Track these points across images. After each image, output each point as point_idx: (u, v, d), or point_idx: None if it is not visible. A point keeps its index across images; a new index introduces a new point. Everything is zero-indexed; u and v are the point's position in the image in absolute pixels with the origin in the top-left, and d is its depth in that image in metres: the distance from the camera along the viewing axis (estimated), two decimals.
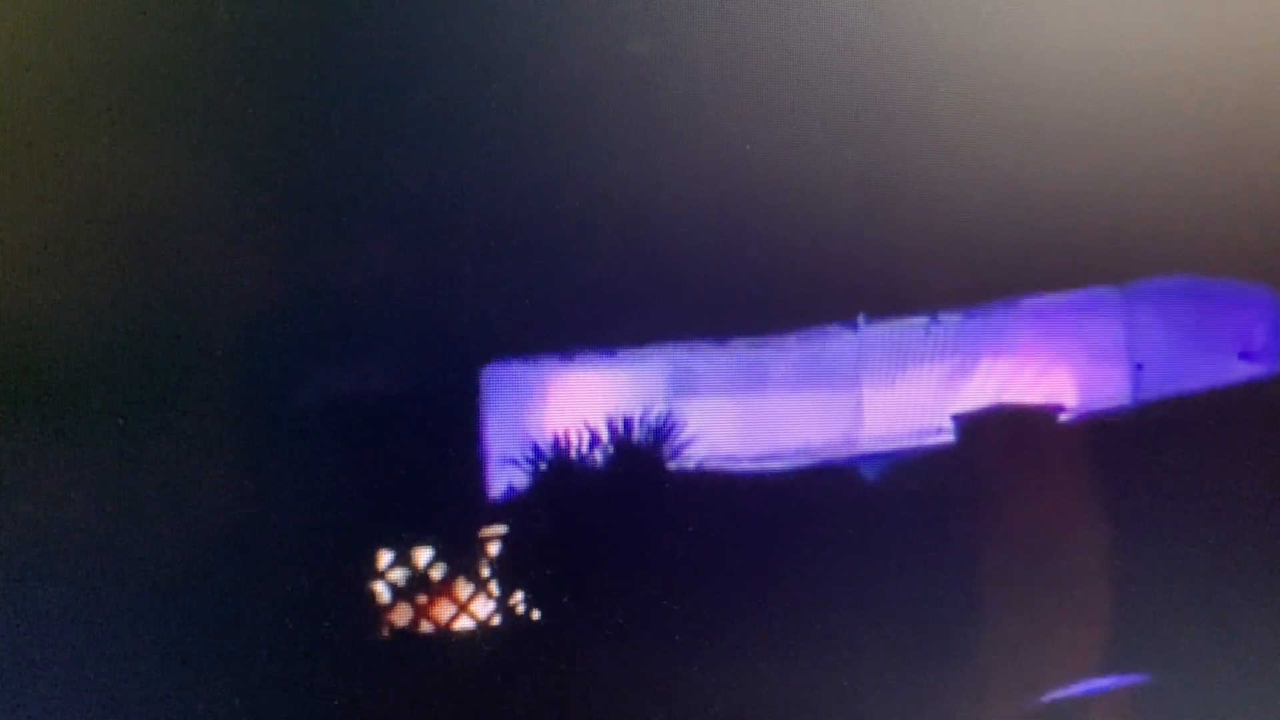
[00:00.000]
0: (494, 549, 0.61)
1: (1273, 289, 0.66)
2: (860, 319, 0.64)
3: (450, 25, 0.61)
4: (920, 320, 0.64)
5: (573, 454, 0.62)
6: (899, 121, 0.63)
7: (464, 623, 0.61)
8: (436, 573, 0.61)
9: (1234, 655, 0.66)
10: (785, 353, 0.63)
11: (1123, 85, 0.65)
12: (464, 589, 0.61)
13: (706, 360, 0.63)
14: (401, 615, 0.61)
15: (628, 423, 0.62)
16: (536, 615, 0.61)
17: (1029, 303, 0.65)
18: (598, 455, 0.62)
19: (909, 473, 0.64)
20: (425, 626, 0.61)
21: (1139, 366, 0.66)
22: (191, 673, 0.59)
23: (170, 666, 0.59)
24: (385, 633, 0.60)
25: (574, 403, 0.62)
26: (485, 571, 0.61)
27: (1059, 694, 0.65)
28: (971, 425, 0.64)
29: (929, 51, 0.63)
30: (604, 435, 0.62)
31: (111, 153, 0.59)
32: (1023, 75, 0.64)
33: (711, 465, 0.63)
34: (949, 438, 0.64)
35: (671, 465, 0.62)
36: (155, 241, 0.59)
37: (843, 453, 0.64)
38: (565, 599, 0.61)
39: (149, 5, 0.60)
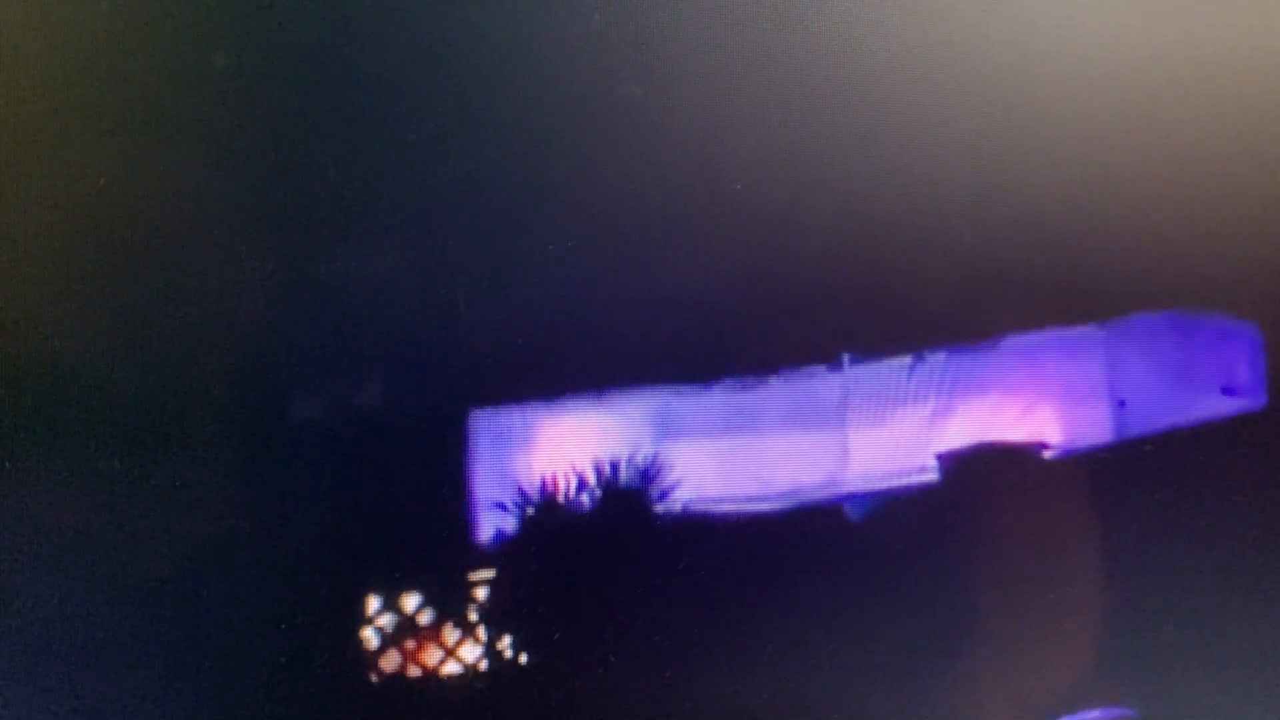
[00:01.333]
0: (482, 593, 0.61)
1: (1255, 324, 0.66)
2: (845, 359, 0.64)
3: (439, 56, 0.62)
4: (904, 360, 0.65)
5: (560, 497, 0.62)
6: (883, 163, 0.64)
7: (451, 667, 0.61)
8: (424, 617, 0.61)
9: (1219, 688, 0.67)
10: (770, 394, 0.64)
11: (1104, 124, 0.65)
12: (451, 633, 0.61)
13: (692, 402, 0.63)
14: (390, 660, 0.61)
15: (615, 466, 0.62)
16: (524, 659, 0.62)
17: (1011, 341, 0.65)
18: (585, 498, 0.62)
19: (894, 512, 0.64)
20: (413, 670, 0.61)
21: (1121, 404, 0.66)
22: (171, 711, 0.59)
23: (149, 702, 0.59)
24: (373, 677, 0.61)
25: (561, 446, 0.62)
26: (473, 615, 0.61)
27: None
28: (956, 464, 0.65)
29: (911, 95, 0.64)
30: (591, 478, 0.62)
31: (101, 159, 0.59)
32: (1009, 120, 0.64)
33: (698, 507, 0.63)
34: (933, 477, 0.65)
35: (658, 507, 0.62)
36: (127, 267, 0.60)
37: (828, 493, 0.64)
38: (553, 642, 0.62)
39: (147, 8, 0.60)
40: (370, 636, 0.60)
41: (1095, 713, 0.66)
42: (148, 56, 0.59)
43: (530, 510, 0.62)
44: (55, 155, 0.59)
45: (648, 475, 0.62)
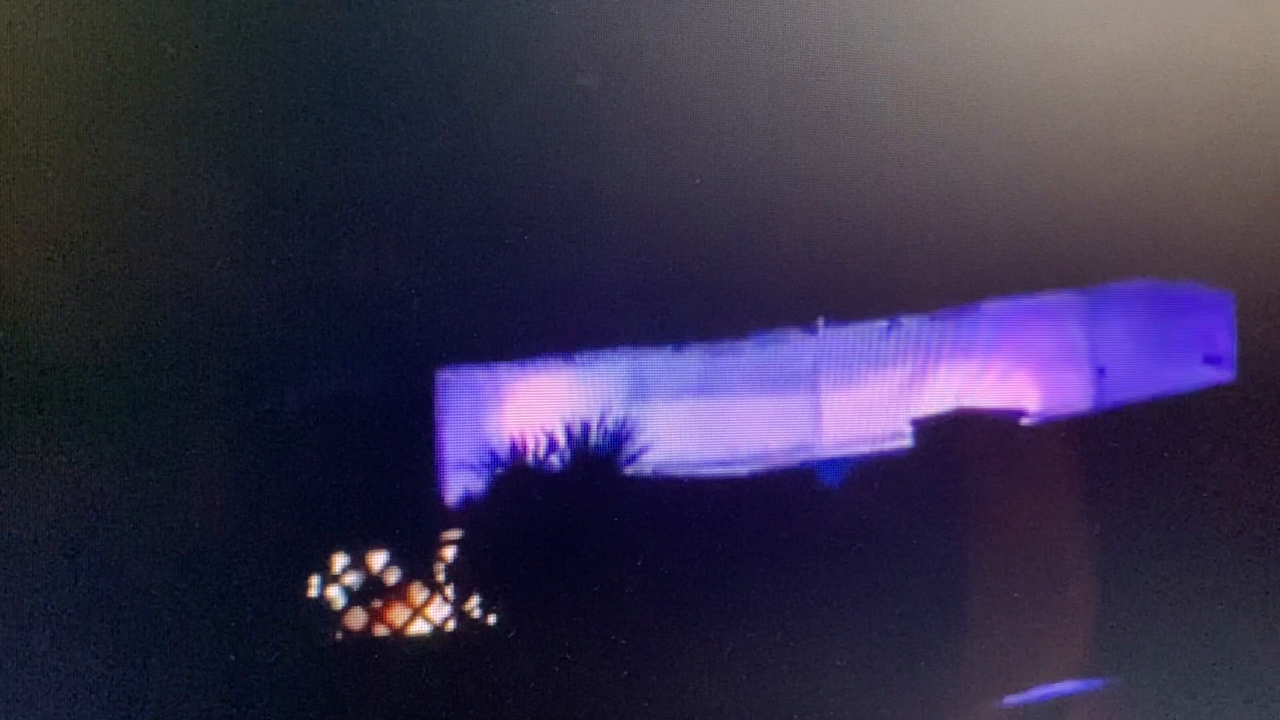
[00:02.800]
0: (450, 553, 0.61)
1: (1235, 294, 0.65)
2: (820, 323, 0.64)
3: (416, 43, 0.61)
4: (880, 324, 0.64)
5: (530, 458, 0.62)
6: (859, 126, 0.63)
7: (419, 626, 0.61)
8: (392, 577, 0.61)
9: (1200, 657, 0.66)
10: (744, 357, 0.63)
11: (1085, 93, 0.64)
12: (420, 593, 0.61)
13: (665, 365, 0.63)
14: (356, 619, 0.61)
15: (585, 427, 0.62)
16: (493, 620, 0.61)
17: (991, 307, 0.65)
18: (555, 460, 0.62)
19: (868, 477, 0.64)
20: (380, 630, 0.61)
21: (1101, 371, 0.65)
22: (143, 675, 0.59)
23: (122, 670, 0.59)
24: (340, 636, 0.60)
25: (531, 407, 0.62)
26: (442, 576, 0.61)
27: (1023, 698, 0.65)
28: (932, 430, 0.64)
29: (889, 60, 0.63)
30: (561, 440, 0.62)
31: (93, 159, 0.59)
32: (986, 83, 0.64)
33: (670, 470, 0.62)
34: (909, 442, 0.64)
35: (629, 470, 0.62)
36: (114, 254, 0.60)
37: (802, 458, 0.64)
38: (522, 604, 0.61)
39: (142, 7, 0.60)
40: (337, 596, 0.60)
41: (1072, 683, 0.66)
42: (143, 56, 0.59)
43: (500, 472, 0.61)
44: (50, 155, 0.59)
45: (619, 437, 0.62)
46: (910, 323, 0.64)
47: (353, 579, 0.60)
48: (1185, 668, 0.66)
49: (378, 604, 0.60)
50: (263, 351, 0.60)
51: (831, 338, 0.64)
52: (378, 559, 0.61)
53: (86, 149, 0.59)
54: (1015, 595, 0.65)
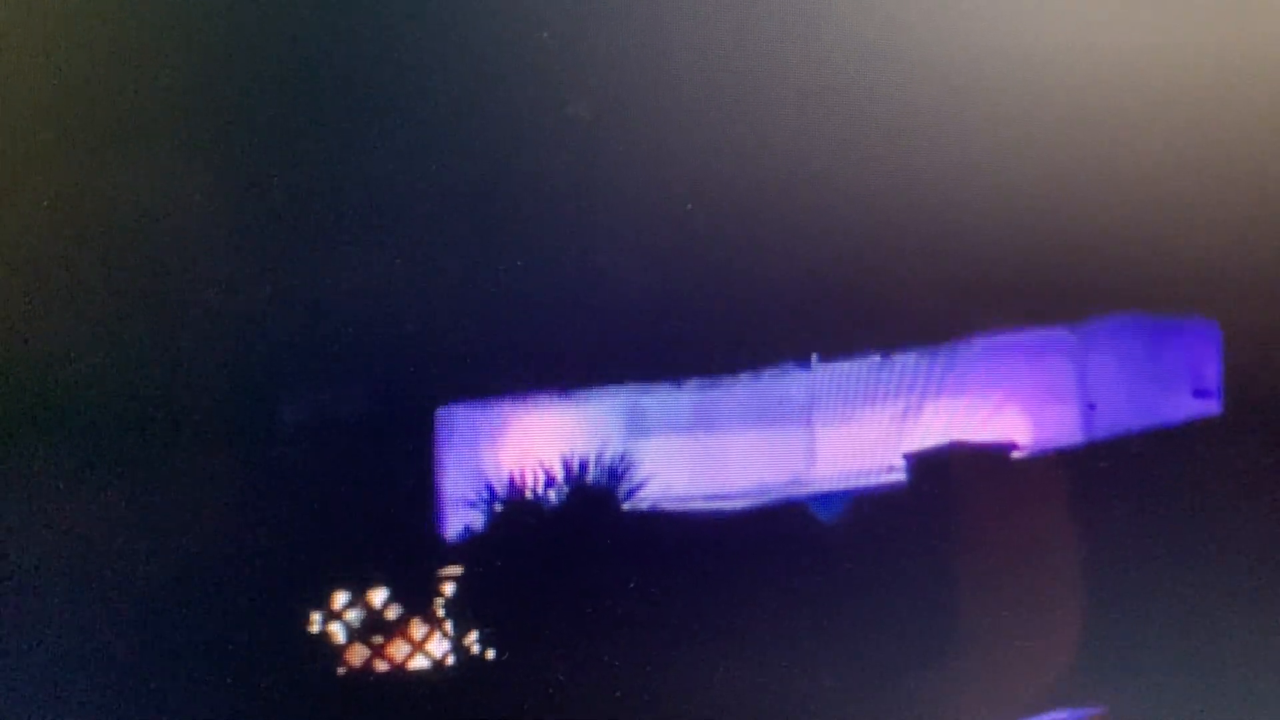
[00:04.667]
0: (449, 589, 0.62)
1: (1223, 326, 0.66)
2: (814, 358, 0.64)
3: (407, 63, 0.62)
4: (873, 360, 0.65)
5: (528, 494, 0.62)
6: (851, 163, 0.64)
7: (420, 662, 0.62)
8: (392, 613, 0.61)
9: (1192, 687, 0.67)
10: (740, 393, 0.64)
11: (1076, 126, 0.65)
12: (419, 629, 0.62)
13: (662, 400, 0.63)
14: (357, 655, 0.61)
15: (584, 463, 0.63)
16: (491, 655, 0.62)
17: (982, 342, 0.65)
18: (552, 495, 0.62)
19: (862, 512, 0.64)
20: (380, 666, 0.61)
21: (1091, 406, 0.66)
22: (141, 709, 0.59)
23: (117, 698, 0.59)
24: (341, 671, 0.61)
25: (529, 443, 0.62)
26: (441, 611, 0.62)
27: None
28: (924, 464, 0.65)
29: (883, 99, 0.64)
30: (559, 475, 0.62)
31: (85, 163, 0.60)
32: (976, 122, 0.64)
33: (666, 505, 0.63)
34: (902, 477, 0.65)
35: (626, 505, 0.63)
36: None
37: (796, 492, 0.64)
38: (521, 639, 0.62)
39: (134, 13, 0.60)
40: (338, 631, 0.61)
41: (1065, 713, 0.66)
42: (138, 59, 0.60)
43: (498, 507, 0.62)
44: (46, 158, 0.59)
45: (616, 473, 0.63)
46: (903, 358, 0.65)
47: (353, 615, 0.61)
48: (1177, 698, 0.66)
49: (378, 640, 0.61)
50: (261, 389, 0.61)
51: (825, 373, 0.64)
52: (378, 595, 0.61)
53: (69, 159, 0.60)
54: (1009, 628, 0.65)
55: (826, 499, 0.64)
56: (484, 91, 0.62)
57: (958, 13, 0.64)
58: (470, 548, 0.62)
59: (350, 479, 0.61)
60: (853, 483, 0.65)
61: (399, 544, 0.61)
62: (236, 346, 0.61)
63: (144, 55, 0.60)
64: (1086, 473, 0.66)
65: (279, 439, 0.61)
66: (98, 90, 0.59)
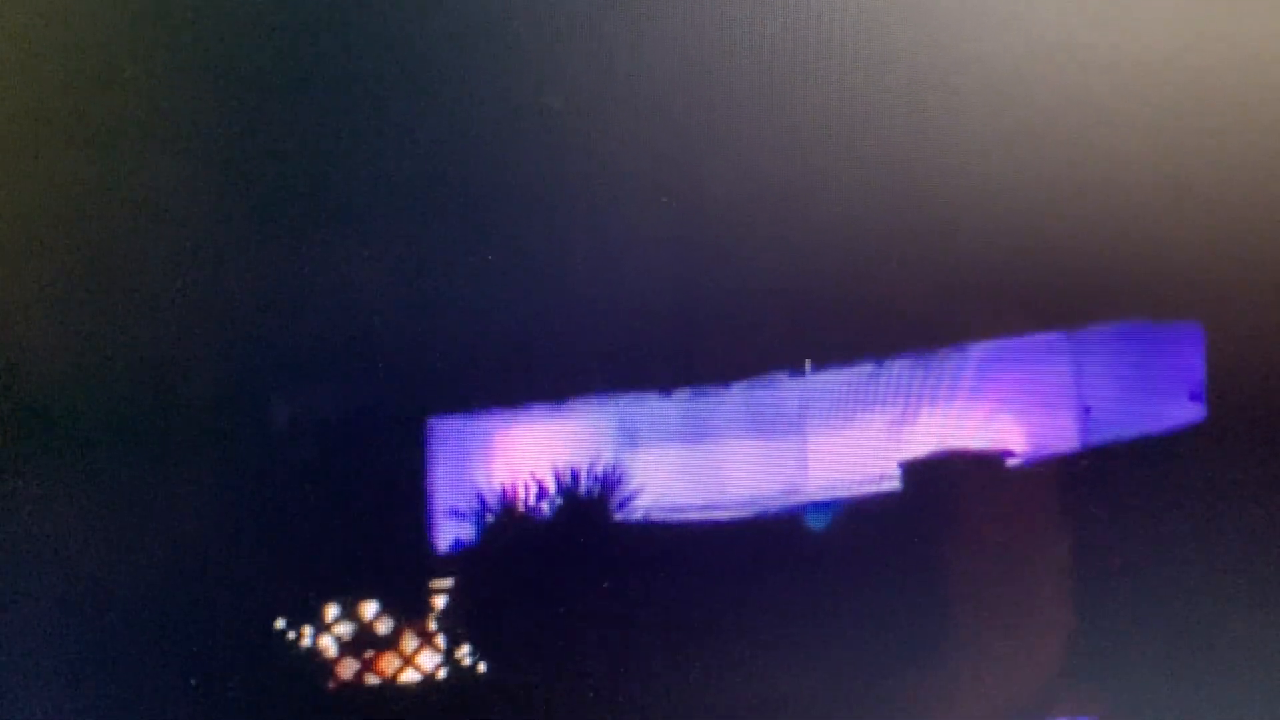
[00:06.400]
0: (440, 601, 0.61)
1: (1218, 332, 0.66)
2: (807, 366, 0.64)
3: (398, 63, 0.61)
4: (867, 367, 0.64)
5: (519, 505, 0.62)
6: (843, 169, 0.63)
7: (410, 675, 0.61)
8: (383, 626, 0.61)
9: (1187, 696, 0.66)
10: (732, 402, 0.64)
11: (1071, 130, 0.65)
12: (410, 642, 0.61)
13: (652, 411, 0.63)
14: (347, 668, 0.61)
15: (575, 474, 0.62)
16: (483, 668, 0.62)
17: (977, 348, 0.65)
18: (544, 506, 0.62)
19: (856, 520, 0.64)
20: (370, 679, 0.61)
21: (1087, 411, 0.66)
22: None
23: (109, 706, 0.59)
24: (331, 685, 0.61)
25: (520, 454, 0.62)
26: (432, 624, 0.61)
27: None
28: (919, 472, 0.64)
29: (875, 103, 0.63)
30: (550, 487, 0.62)
31: (80, 163, 0.59)
32: (968, 128, 0.64)
33: (659, 515, 0.63)
34: (897, 485, 0.64)
35: (619, 516, 0.62)
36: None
37: (790, 501, 0.64)
38: (513, 652, 0.62)
39: (125, 11, 0.60)
40: (328, 644, 0.60)
41: None
42: (126, 58, 0.59)
43: (490, 518, 0.62)
44: (42, 157, 0.59)
45: (608, 483, 0.62)
46: (897, 365, 0.64)
47: (344, 628, 0.60)
48: (1172, 707, 0.66)
49: (369, 653, 0.61)
50: (251, 400, 0.60)
51: (818, 381, 0.64)
52: (369, 608, 0.61)
53: (57, 159, 0.59)
54: (1004, 636, 0.65)
55: (820, 507, 0.64)
56: (477, 97, 0.61)
57: (951, 16, 0.63)
58: (462, 559, 0.61)
59: (340, 491, 0.61)
60: (847, 491, 0.64)
61: (390, 556, 0.61)
62: (226, 358, 0.60)
63: (132, 55, 0.59)
64: (1082, 479, 0.65)
65: (268, 450, 0.60)
66: (86, 90, 0.59)
